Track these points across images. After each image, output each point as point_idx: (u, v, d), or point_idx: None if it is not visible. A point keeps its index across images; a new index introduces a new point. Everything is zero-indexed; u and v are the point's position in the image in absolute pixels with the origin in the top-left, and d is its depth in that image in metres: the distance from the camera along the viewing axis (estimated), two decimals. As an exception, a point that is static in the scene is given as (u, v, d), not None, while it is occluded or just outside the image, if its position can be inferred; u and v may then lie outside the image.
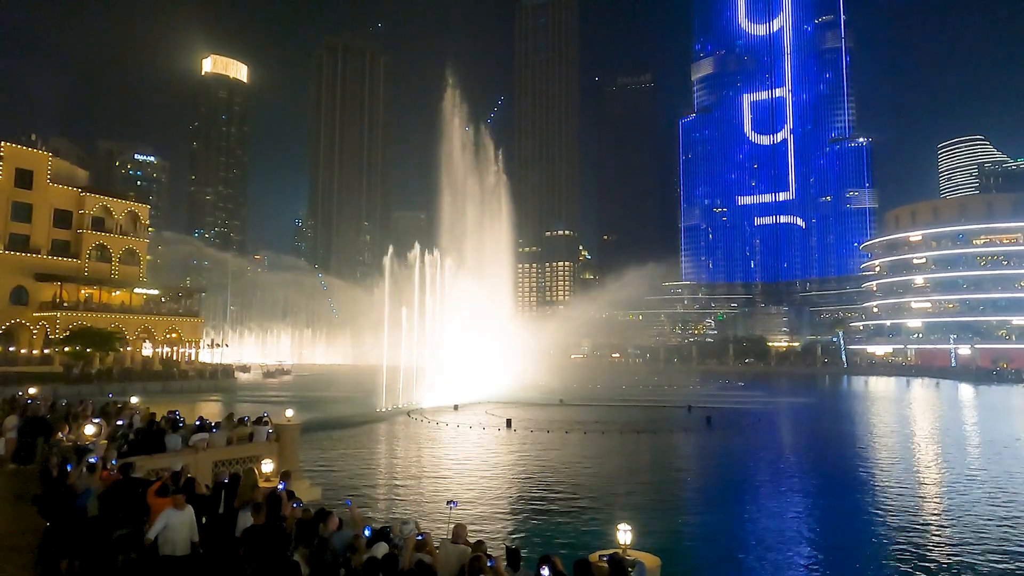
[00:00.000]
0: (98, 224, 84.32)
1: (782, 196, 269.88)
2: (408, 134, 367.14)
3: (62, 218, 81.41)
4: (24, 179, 78.18)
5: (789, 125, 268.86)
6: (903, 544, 19.52)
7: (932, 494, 27.05)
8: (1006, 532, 20.75)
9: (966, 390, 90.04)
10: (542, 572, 7.22)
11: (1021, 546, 19.34)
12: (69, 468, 12.54)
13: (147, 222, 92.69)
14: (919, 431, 48.97)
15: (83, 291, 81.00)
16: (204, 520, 10.57)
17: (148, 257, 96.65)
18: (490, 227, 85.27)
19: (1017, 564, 17.66)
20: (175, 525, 9.64)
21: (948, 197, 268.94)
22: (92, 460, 12.67)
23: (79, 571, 10.75)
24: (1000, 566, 17.47)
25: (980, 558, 18.09)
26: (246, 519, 9.50)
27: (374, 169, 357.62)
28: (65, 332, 71.99)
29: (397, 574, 7.36)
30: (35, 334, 76.63)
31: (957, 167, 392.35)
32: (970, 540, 19.83)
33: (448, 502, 13.93)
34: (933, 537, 20.45)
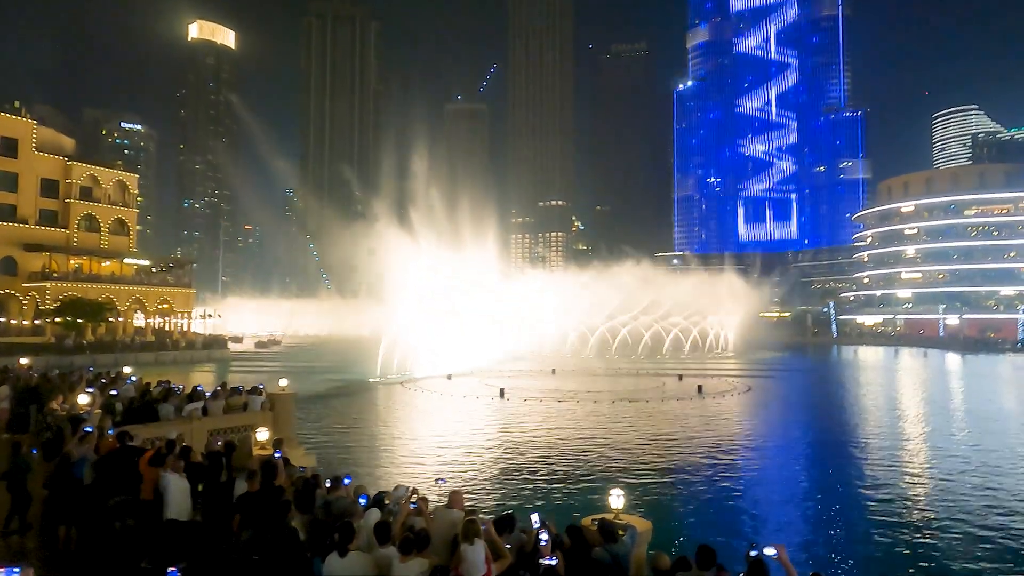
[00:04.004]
0: (86, 194, 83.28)
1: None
2: (399, 104, 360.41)
3: (49, 187, 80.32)
4: (9, 147, 76.94)
5: (784, 95, 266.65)
6: (890, 506, 19.95)
7: (922, 459, 27.55)
8: (987, 488, 21.25)
9: (953, 359, 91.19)
10: (540, 535, 7.31)
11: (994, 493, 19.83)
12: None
13: (136, 191, 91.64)
14: (907, 399, 49.73)
15: (72, 261, 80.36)
16: (200, 488, 10.67)
17: (138, 227, 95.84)
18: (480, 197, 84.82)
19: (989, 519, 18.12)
20: (175, 490, 9.75)
21: (941, 168, 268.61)
22: (87, 429, 12.71)
23: (77, 538, 10.87)
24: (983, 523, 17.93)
25: (970, 522, 18.54)
26: (242, 486, 9.58)
27: (365, 138, 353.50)
28: (55, 303, 71.57)
29: (390, 539, 7.46)
30: (25, 305, 76.19)
31: (951, 137, 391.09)
32: (960, 503, 20.30)
33: (436, 479, 14.10)
34: (920, 501, 20.91)
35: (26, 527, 11.61)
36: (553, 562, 6.71)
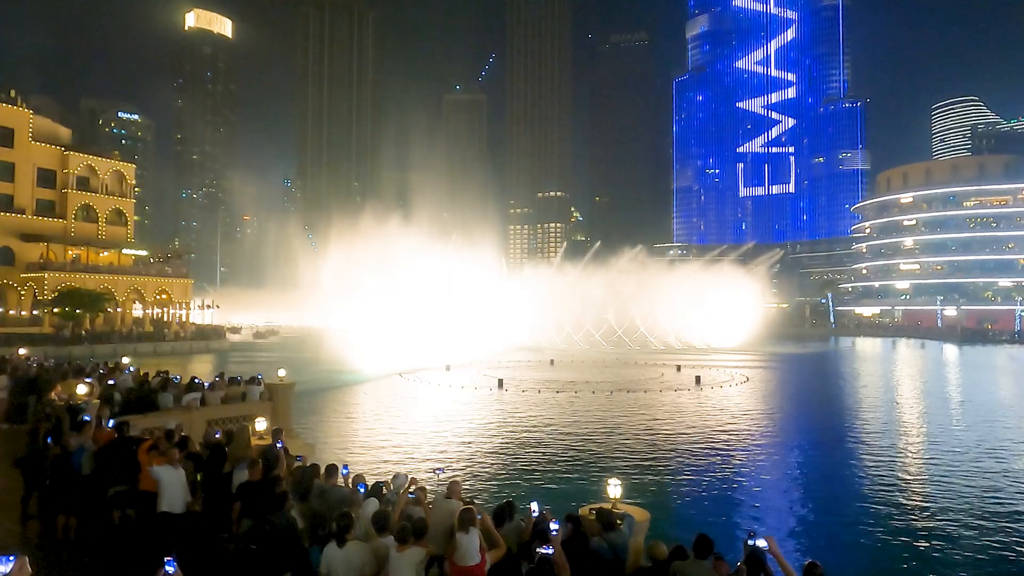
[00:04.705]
0: (83, 184, 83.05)
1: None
2: (397, 93, 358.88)
3: (46, 177, 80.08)
4: (5, 137, 76.65)
5: (784, 84, 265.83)
6: (889, 495, 20.04)
7: (917, 448, 27.66)
8: (980, 470, 21.37)
9: (951, 350, 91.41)
10: (551, 525, 7.31)
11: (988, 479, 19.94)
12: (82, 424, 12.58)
13: (133, 182, 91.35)
14: (905, 389, 49.87)
15: (70, 252, 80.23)
16: (199, 477, 10.66)
17: (135, 217, 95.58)
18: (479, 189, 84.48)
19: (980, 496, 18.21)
20: (171, 482, 9.71)
21: (940, 159, 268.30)
22: (85, 419, 12.70)
23: (75, 528, 10.89)
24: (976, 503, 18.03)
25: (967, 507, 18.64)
26: (242, 476, 9.57)
27: (363, 129, 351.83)
28: (53, 293, 71.49)
29: (388, 529, 7.47)
30: (23, 295, 76.08)
31: (950, 128, 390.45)
32: (957, 491, 20.40)
33: (435, 469, 14.14)
34: (919, 491, 21.00)
35: (27, 516, 11.64)
36: (549, 551, 6.72)
